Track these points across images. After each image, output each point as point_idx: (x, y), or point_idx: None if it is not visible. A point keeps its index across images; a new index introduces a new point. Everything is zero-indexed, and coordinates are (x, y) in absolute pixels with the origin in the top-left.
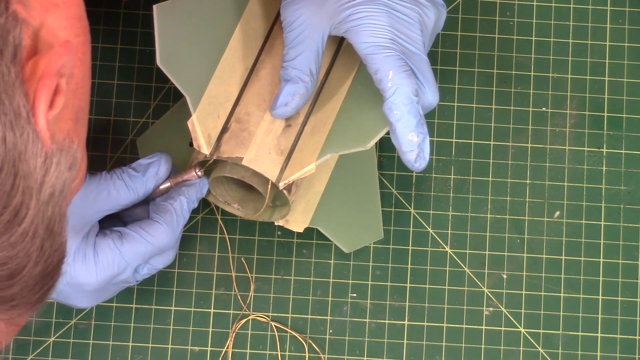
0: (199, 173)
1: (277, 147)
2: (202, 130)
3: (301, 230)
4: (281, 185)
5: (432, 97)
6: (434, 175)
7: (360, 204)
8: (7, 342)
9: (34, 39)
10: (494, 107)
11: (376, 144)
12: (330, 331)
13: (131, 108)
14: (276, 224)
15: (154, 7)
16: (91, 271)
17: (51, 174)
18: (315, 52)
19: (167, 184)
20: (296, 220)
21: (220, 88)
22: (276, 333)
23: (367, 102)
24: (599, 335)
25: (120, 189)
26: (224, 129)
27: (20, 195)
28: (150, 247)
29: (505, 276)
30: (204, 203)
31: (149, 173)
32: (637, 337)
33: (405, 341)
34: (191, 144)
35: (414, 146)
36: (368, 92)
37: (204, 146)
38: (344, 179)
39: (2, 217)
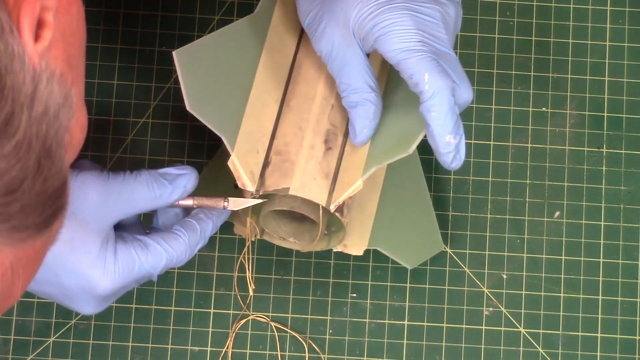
0: (226, 204)
1: (321, 172)
2: (244, 168)
3: (361, 254)
4: (332, 208)
5: (466, 94)
6: (434, 175)
7: (415, 218)
8: (26, 279)
9: None
10: (494, 107)
11: None
12: (330, 331)
13: (131, 108)
14: (334, 250)
15: (174, 53)
16: (109, 276)
17: (41, 91)
18: (365, 68)
19: (189, 202)
20: (354, 244)
21: (254, 124)
22: (276, 333)
23: (402, 110)
24: (599, 335)
25: (143, 194)
26: (265, 164)
27: (10, 105)
28: (168, 261)
29: (505, 276)
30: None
31: (177, 184)
32: (637, 337)
33: (405, 341)
34: (236, 186)
35: (451, 147)
36: (401, 100)
37: (248, 184)
38: (395, 195)
39: None
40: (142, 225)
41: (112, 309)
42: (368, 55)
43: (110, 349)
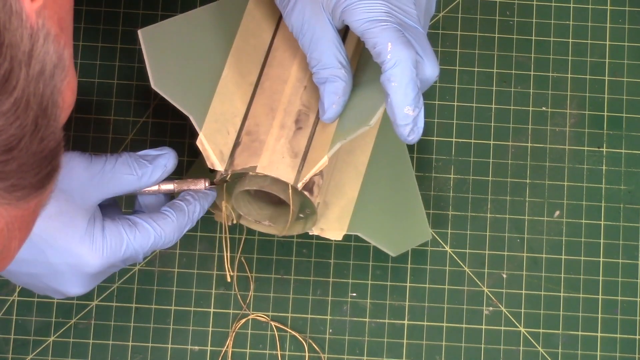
0: (207, 185)
1: (290, 151)
2: (212, 147)
3: (340, 238)
4: (299, 185)
5: (431, 70)
6: (434, 175)
7: (400, 205)
8: (21, 238)
9: None
10: (494, 106)
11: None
12: (330, 331)
13: (131, 108)
14: (310, 233)
15: (139, 32)
16: (98, 252)
17: (39, 50)
18: (335, 44)
19: (171, 186)
20: (332, 228)
21: (225, 105)
22: (276, 333)
23: (370, 85)
24: (599, 334)
25: (125, 174)
26: (236, 144)
27: (9, 63)
28: (157, 240)
29: (505, 276)
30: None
31: (157, 163)
32: (637, 337)
33: (405, 341)
34: (211, 170)
35: (409, 120)
36: (370, 77)
37: (217, 163)
38: (380, 181)
39: None
40: (121, 211)
41: (112, 309)
42: (341, 32)
43: (110, 349)
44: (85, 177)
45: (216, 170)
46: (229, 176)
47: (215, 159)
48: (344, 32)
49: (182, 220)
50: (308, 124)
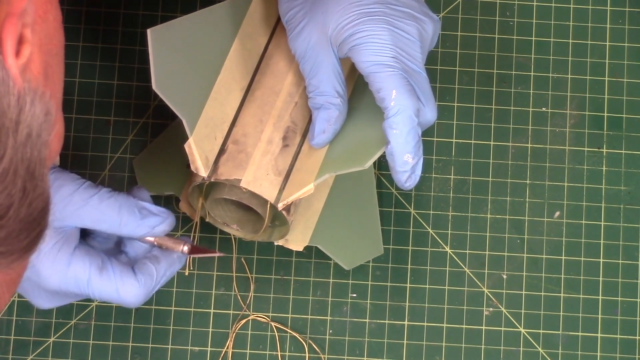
0: (185, 250)
1: (274, 168)
2: (199, 152)
3: (301, 249)
4: (280, 206)
5: (431, 115)
6: (434, 175)
7: (359, 221)
8: (9, 297)
9: None
10: (494, 107)
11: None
12: (330, 331)
13: (131, 108)
14: (275, 243)
15: (148, 31)
16: (58, 273)
17: (26, 114)
18: (335, 74)
19: (151, 239)
20: (296, 240)
21: (216, 110)
22: (276, 333)
23: (364, 120)
24: (599, 335)
25: (109, 215)
26: (221, 151)
27: None
28: (116, 297)
29: (505, 276)
30: None
31: (148, 222)
32: (637, 337)
33: (405, 341)
34: (189, 166)
35: (408, 167)
36: (365, 110)
37: (201, 169)
38: (343, 196)
39: None
40: (110, 243)
41: (112, 309)
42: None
43: (110, 349)
44: (67, 200)
45: (192, 170)
46: (209, 182)
47: (200, 165)
48: None
49: (149, 285)
50: (294, 142)
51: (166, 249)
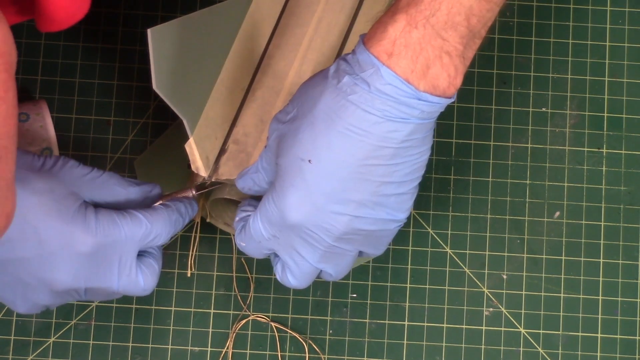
0: (194, 193)
1: None
2: (200, 152)
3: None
4: None
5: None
6: (434, 175)
7: None
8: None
9: None
10: (494, 107)
11: None
12: (330, 331)
13: (131, 108)
14: None
15: (148, 31)
16: (90, 231)
17: None
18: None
19: (160, 202)
20: None
21: (217, 110)
22: (276, 333)
23: None
24: (599, 335)
25: (113, 184)
26: (222, 151)
27: None
28: (147, 230)
29: (505, 276)
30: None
31: (143, 188)
32: (637, 338)
33: (405, 341)
34: (189, 166)
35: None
36: None
37: (202, 169)
38: None
39: None
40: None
41: (112, 310)
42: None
43: (110, 349)
44: (77, 176)
45: (193, 171)
46: (210, 182)
47: (200, 165)
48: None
49: (172, 215)
50: None
51: (177, 198)
